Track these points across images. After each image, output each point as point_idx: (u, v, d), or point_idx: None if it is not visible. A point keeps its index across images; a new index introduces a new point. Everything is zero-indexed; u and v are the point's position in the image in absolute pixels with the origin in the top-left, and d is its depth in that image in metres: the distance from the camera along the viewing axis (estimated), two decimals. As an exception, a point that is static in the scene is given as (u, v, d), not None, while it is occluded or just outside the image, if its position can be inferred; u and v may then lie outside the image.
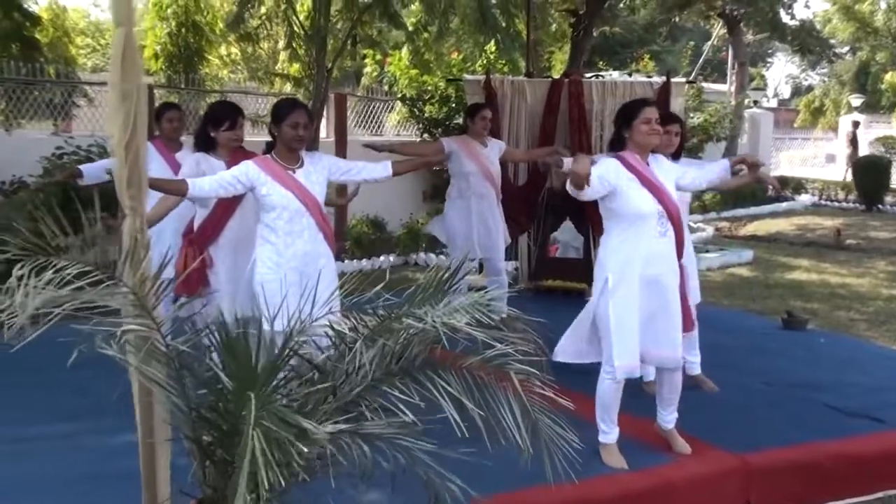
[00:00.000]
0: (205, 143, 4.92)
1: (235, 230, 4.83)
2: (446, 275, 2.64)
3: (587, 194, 4.07)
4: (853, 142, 22.40)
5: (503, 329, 2.56)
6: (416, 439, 2.29)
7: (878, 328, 7.85)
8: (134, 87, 2.73)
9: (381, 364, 2.48)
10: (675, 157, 5.25)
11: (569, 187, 4.08)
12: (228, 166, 4.77)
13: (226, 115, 4.94)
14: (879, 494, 4.40)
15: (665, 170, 4.35)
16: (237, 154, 4.89)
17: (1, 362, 4.96)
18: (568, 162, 6.16)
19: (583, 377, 4.28)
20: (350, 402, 2.46)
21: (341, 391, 2.46)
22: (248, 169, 4.40)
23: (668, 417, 4.45)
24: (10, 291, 2.25)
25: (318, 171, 4.55)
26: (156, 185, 4.26)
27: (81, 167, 5.90)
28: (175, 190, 4.40)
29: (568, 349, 4.36)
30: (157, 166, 5.49)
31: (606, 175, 4.12)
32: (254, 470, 2.00)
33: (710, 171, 4.64)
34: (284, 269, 4.36)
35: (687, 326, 4.40)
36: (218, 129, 4.87)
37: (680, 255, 4.33)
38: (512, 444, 2.45)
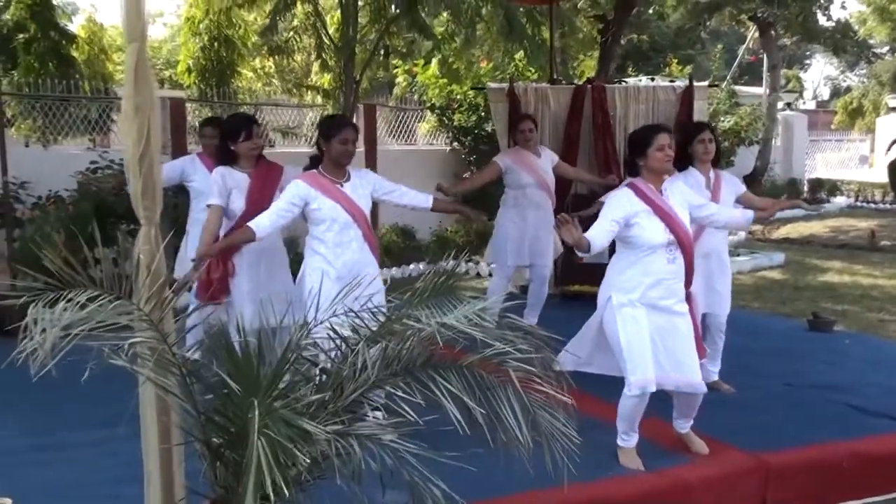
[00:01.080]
0: (227, 158, 5.04)
1: (260, 241, 4.94)
2: (442, 278, 2.71)
3: (597, 248, 4.11)
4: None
5: (507, 331, 2.62)
6: (406, 441, 2.35)
7: (908, 329, 7.79)
8: (147, 101, 2.84)
9: (383, 364, 2.56)
10: (715, 163, 5.28)
11: (579, 252, 4.14)
12: (252, 177, 4.95)
13: (239, 126, 5.05)
14: (897, 494, 4.40)
15: (680, 197, 4.36)
16: (260, 165, 5.06)
17: (28, 375, 5.11)
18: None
19: (594, 378, 4.34)
20: (354, 402, 2.54)
21: (345, 392, 2.54)
22: (298, 190, 4.57)
23: (683, 424, 4.48)
24: (29, 329, 2.38)
25: (363, 186, 4.74)
26: (229, 242, 4.61)
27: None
28: (245, 239, 4.56)
29: (570, 359, 4.35)
30: (201, 178, 5.59)
31: (616, 214, 4.17)
32: (259, 477, 2.08)
33: (731, 214, 4.75)
34: (333, 278, 4.51)
35: (700, 354, 4.40)
36: (236, 141, 4.99)
37: (689, 282, 4.32)
38: (519, 444, 2.51)
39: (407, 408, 2.44)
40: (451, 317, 2.40)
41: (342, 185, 4.65)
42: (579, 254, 4.12)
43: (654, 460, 4.29)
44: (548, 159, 6.96)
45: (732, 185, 5.36)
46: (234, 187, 4.95)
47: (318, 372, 2.54)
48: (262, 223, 4.47)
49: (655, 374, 4.13)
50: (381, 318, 2.58)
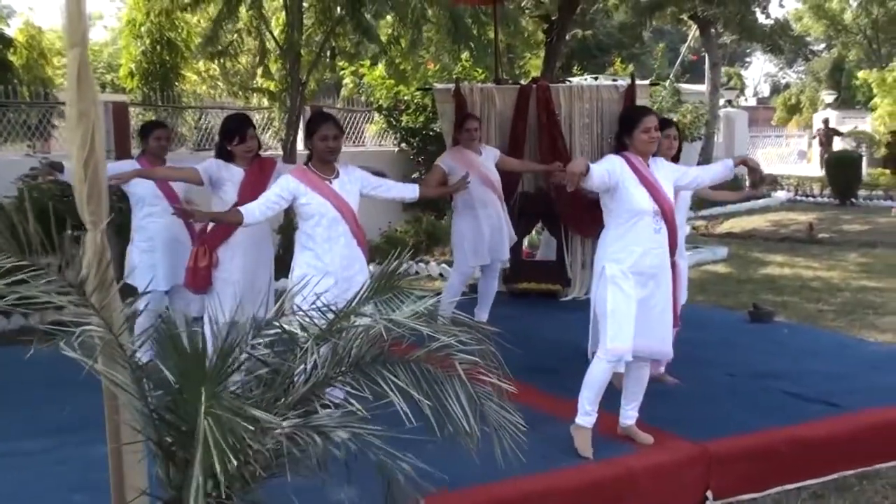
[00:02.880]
0: (224, 156, 5.18)
1: (245, 232, 5.02)
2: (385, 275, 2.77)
3: (593, 182, 4.27)
4: (826, 139, 22.66)
5: (448, 325, 2.68)
6: (367, 426, 2.41)
7: (844, 318, 8.02)
8: (90, 106, 2.84)
9: (332, 361, 2.60)
10: (675, 159, 5.43)
11: (572, 181, 4.22)
12: (247, 173, 5.11)
13: (234, 129, 5.17)
14: (835, 476, 4.55)
15: (664, 172, 4.58)
16: (254, 163, 5.20)
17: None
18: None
19: (546, 375, 4.43)
20: (302, 399, 2.58)
21: (294, 389, 2.58)
22: (287, 183, 4.70)
23: (629, 413, 4.60)
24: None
25: (352, 183, 4.86)
26: (216, 217, 4.76)
27: (64, 162, 5.84)
28: (233, 220, 4.67)
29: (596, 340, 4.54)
30: (142, 184, 5.58)
31: (612, 170, 4.37)
32: (209, 462, 2.10)
33: (712, 169, 4.91)
34: (322, 272, 4.61)
35: (674, 322, 4.68)
36: (231, 143, 5.12)
37: (673, 251, 4.54)
38: (468, 438, 2.57)
39: (357, 404, 2.49)
40: (398, 313, 2.46)
41: (331, 182, 4.76)
42: (583, 184, 4.21)
43: (600, 450, 4.40)
44: (490, 157, 7.05)
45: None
46: (229, 180, 5.09)
47: (267, 371, 2.58)
48: (251, 210, 4.61)
49: (632, 344, 4.31)
50: (331, 316, 2.62)
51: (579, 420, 4.42)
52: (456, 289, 6.92)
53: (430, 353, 2.51)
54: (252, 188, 5.02)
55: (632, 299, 4.33)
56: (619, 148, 4.55)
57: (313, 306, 2.64)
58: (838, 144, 22.45)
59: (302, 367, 2.50)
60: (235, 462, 2.02)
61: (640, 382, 4.56)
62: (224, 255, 5.10)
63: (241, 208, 4.65)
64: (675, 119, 18.23)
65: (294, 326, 2.58)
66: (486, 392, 2.53)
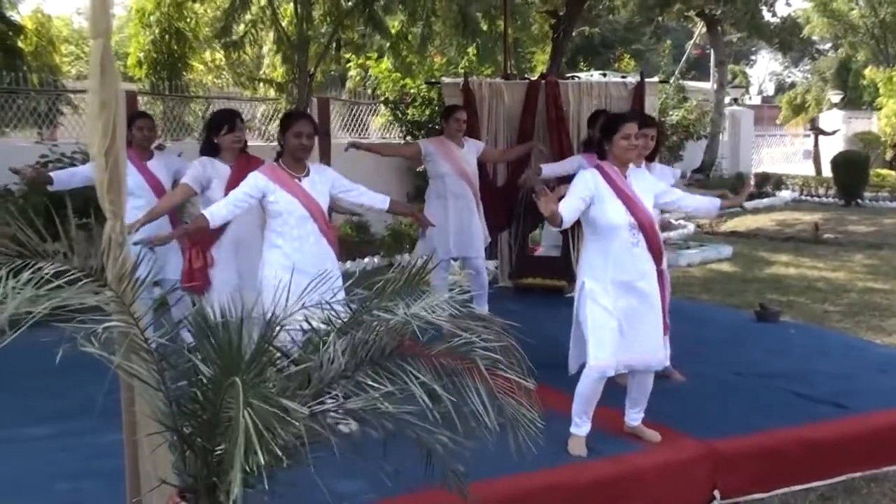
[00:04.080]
0: (210, 150, 5.17)
1: (237, 231, 5.05)
2: (414, 270, 2.78)
3: (567, 221, 4.24)
4: (815, 139, 22.65)
5: (470, 320, 2.70)
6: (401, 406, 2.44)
7: (851, 319, 8.03)
8: (112, 96, 2.85)
9: (353, 355, 2.61)
10: (650, 158, 5.42)
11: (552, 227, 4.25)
12: (233, 170, 5.07)
13: (223, 119, 5.20)
14: (842, 478, 4.55)
15: (645, 183, 4.52)
16: (241, 158, 5.17)
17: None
18: (549, 168, 6.32)
19: (551, 371, 4.43)
20: (323, 390, 2.59)
21: (314, 381, 2.59)
22: (255, 181, 4.62)
23: (634, 416, 4.61)
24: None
25: (322, 182, 4.78)
26: (185, 232, 4.78)
27: (52, 174, 5.86)
28: (200, 227, 4.61)
29: (577, 356, 4.55)
30: (132, 175, 5.45)
31: (584, 194, 4.31)
32: (250, 447, 2.10)
33: (699, 201, 4.81)
34: (291, 270, 4.52)
35: (664, 329, 4.62)
36: (218, 133, 5.12)
37: (657, 262, 4.48)
38: (481, 431, 2.59)
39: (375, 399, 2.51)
40: (417, 307, 2.47)
41: (300, 180, 4.68)
42: (552, 228, 4.24)
43: (608, 447, 4.42)
44: (472, 150, 7.03)
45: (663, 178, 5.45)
46: (215, 177, 5.07)
47: (287, 364, 2.59)
48: (216, 211, 4.55)
49: (620, 357, 4.32)
50: (350, 310, 2.63)
51: (572, 429, 4.44)
52: (438, 282, 6.61)
53: (452, 348, 2.52)
54: (238, 184, 4.95)
55: (612, 313, 4.31)
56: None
57: (334, 300, 2.66)
58: (835, 144, 22.37)
59: (322, 359, 2.51)
60: (276, 451, 2.05)
61: (643, 389, 4.54)
62: (218, 254, 5.12)
63: (205, 211, 4.58)
64: (678, 117, 18.37)
65: (314, 320, 2.60)
66: (504, 389, 2.54)
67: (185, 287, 5.16)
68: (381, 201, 5.08)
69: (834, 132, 23.16)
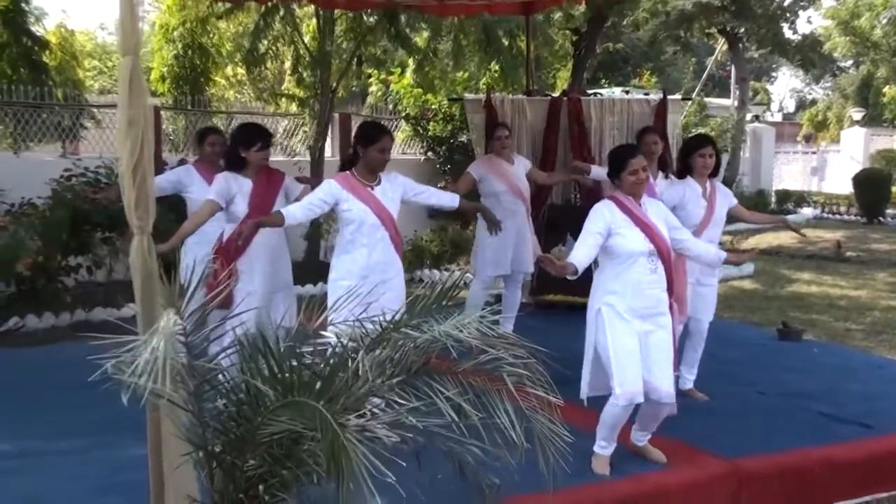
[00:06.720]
0: (236, 164, 5.16)
1: (263, 242, 5.04)
2: (444, 287, 2.79)
3: (582, 266, 4.21)
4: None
5: (499, 339, 2.70)
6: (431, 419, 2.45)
7: (875, 338, 7.97)
8: (140, 114, 2.89)
9: (382, 372, 2.62)
10: (713, 175, 5.48)
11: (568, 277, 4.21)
12: (255, 184, 5.10)
13: (258, 136, 5.21)
14: (867, 498, 4.52)
15: (658, 213, 4.49)
16: (262, 172, 5.19)
17: (8, 382, 5.10)
18: (595, 169, 6.46)
19: (572, 387, 4.41)
20: (351, 406, 2.59)
21: (344, 396, 2.60)
22: (331, 188, 4.78)
23: (640, 437, 4.55)
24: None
25: (394, 190, 4.93)
26: (261, 222, 4.69)
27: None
28: (275, 223, 4.74)
29: (592, 384, 4.45)
30: (198, 189, 5.60)
31: (599, 226, 4.28)
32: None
33: (702, 247, 4.73)
34: (359, 277, 4.68)
35: (674, 365, 4.52)
36: (249, 149, 5.11)
37: (670, 292, 4.43)
38: (509, 448, 2.58)
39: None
40: (447, 325, 2.47)
41: (373, 188, 4.83)
42: (569, 278, 4.20)
43: (631, 466, 4.39)
44: (521, 166, 7.07)
45: (726, 197, 5.64)
46: (238, 192, 5.09)
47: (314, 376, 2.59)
48: (293, 212, 4.72)
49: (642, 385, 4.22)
50: (381, 327, 2.63)
51: (597, 449, 4.40)
52: (478, 298, 6.89)
53: (479, 365, 2.53)
54: (261, 199, 5.08)
55: (633, 336, 4.26)
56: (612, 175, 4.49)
57: (362, 315, 2.67)
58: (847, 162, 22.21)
59: (350, 375, 2.51)
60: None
61: (654, 417, 4.43)
62: (244, 267, 5.10)
63: (283, 210, 4.74)
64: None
65: (343, 336, 2.61)
66: (531, 407, 2.54)
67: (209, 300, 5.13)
68: (451, 199, 5.36)
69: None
